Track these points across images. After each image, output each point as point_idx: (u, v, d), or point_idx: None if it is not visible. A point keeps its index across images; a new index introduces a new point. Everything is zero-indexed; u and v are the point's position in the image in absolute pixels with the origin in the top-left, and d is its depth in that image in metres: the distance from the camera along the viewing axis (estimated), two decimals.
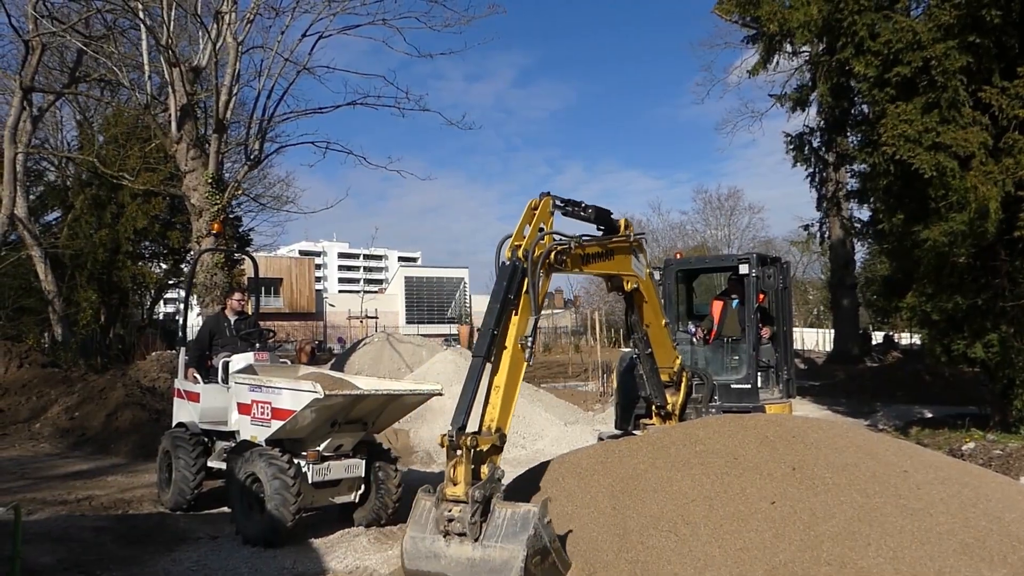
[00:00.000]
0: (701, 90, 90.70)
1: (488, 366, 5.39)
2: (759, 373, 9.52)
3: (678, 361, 8.71)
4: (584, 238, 6.59)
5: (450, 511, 4.81)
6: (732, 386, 9.32)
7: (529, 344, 5.54)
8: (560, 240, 6.11)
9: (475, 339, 5.58)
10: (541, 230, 5.96)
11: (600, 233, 6.99)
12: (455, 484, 4.82)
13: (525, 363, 5.56)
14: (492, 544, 4.72)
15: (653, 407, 8.73)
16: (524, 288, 5.59)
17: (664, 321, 8.39)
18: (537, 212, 5.93)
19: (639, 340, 8.15)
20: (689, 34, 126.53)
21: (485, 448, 4.92)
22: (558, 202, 6.24)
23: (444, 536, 4.84)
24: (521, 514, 4.76)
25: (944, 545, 4.55)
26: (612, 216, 7.12)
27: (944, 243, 10.42)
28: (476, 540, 4.76)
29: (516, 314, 5.55)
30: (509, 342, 5.43)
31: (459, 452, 4.83)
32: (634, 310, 7.81)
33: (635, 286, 7.55)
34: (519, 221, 5.92)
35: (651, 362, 8.35)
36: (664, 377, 8.63)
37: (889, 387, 20.64)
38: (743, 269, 9.58)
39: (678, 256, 11.30)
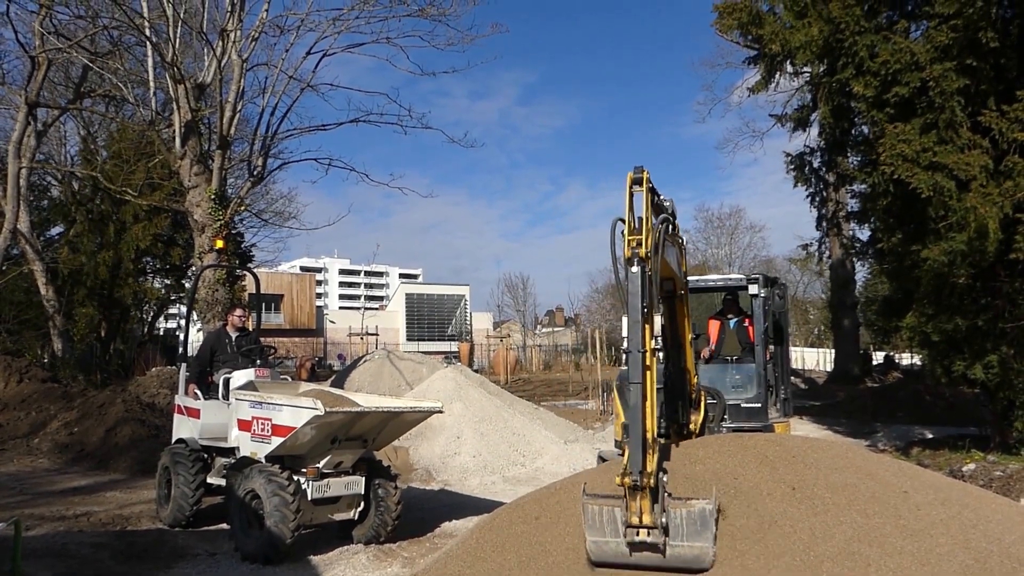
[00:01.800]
0: (703, 109, 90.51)
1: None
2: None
3: (695, 380, 8.68)
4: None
5: (637, 534, 5.03)
6: (742, 405, 9.29)
7: (658, 344, 5.56)
8: (662, 223, 5.73)
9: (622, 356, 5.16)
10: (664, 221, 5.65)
11: None
12: (640, 516, 5.01)
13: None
14: (679, 544, 4.99)
15: (673, 426, 8.64)
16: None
17: (691, 337, 8.30)
18: (644, 195, 5.46)
19: (677, 350, 8.02)
20: (691, 54, 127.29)
21: (657, 475, 5.03)
22: (651, 184, 5.73)
23: (630, 546, 5.08)
24: (698, 512, 4.98)
25: (944, 566, 4.54)
26: None
27: (944, 263, 10.45)
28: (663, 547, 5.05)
29: (649, 324, 5.36)
30: (649, 356, 5.28)
31: (643, 490, 4.99)
32: (674, 319, 7.68)
33: (683, 291, 7.46)
34: (625, 203, 5.39)
35: (685, 377, 8.25)
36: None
37: (889, 407, 20.60)
38: (752, 290, 9.56)
39: None
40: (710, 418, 8.87)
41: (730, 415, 9.18)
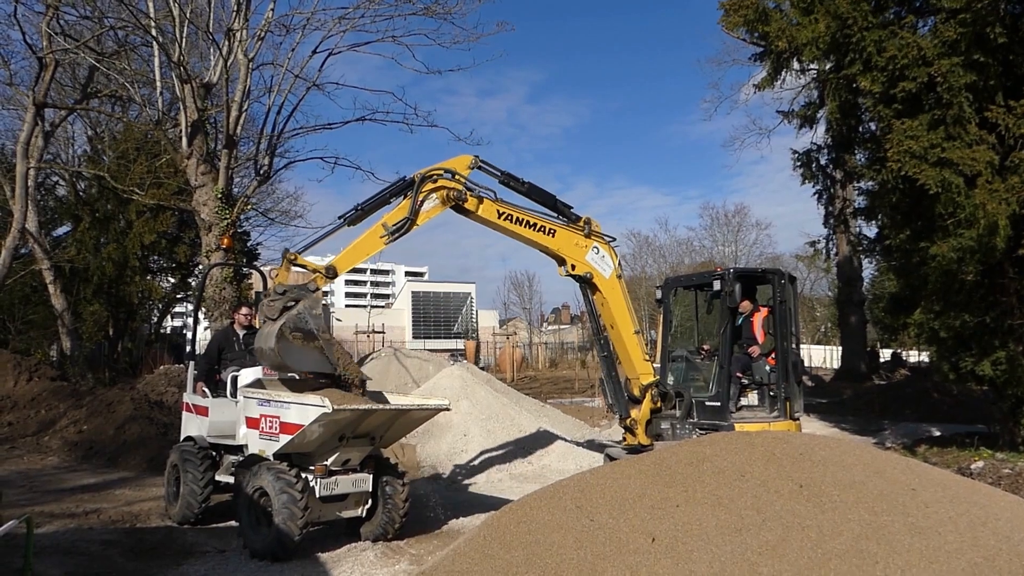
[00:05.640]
0: (710, 107, 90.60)
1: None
2: (755, 392, 9.33)
3: (648, 377, 8.64)
4: (511, 203, 8.54)
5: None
6: (706, 403, 9.19)
7: (390, 232, 7.74)
8: (464, 184, 8.11)
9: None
10: (451, 173, 8.04)
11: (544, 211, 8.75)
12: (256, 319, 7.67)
13: (381, 242, 7.80)
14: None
15: (617, 416, 8.81)
16: (408, 197, 7.83)
17: (634, 329, 8.41)
18: (452, 161, 8.05)
19: (599, 339, 8.37)
20: (698, 52, 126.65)
21: (284, 295, 7.15)
22: (480, 162, 8.29)
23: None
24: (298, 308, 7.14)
25: (953, 564, 4.53)
26: (558, 200, 8.74)
27: (953, 260, 10.40)
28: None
29: (393, 209, 7.85)
30: (380, 223, 7.78)
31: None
32: (590, 303, 8.49)
33: (588, 273, 8.15)
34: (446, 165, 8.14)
35: (607, 366, 8.50)
36: (635, 391, 8.58)
37: (897, 405, 20.55)
38: (716, 285, 9.18)
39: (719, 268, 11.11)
40: (675, 415, 8.86)
41: (698, 413, 9.06)
